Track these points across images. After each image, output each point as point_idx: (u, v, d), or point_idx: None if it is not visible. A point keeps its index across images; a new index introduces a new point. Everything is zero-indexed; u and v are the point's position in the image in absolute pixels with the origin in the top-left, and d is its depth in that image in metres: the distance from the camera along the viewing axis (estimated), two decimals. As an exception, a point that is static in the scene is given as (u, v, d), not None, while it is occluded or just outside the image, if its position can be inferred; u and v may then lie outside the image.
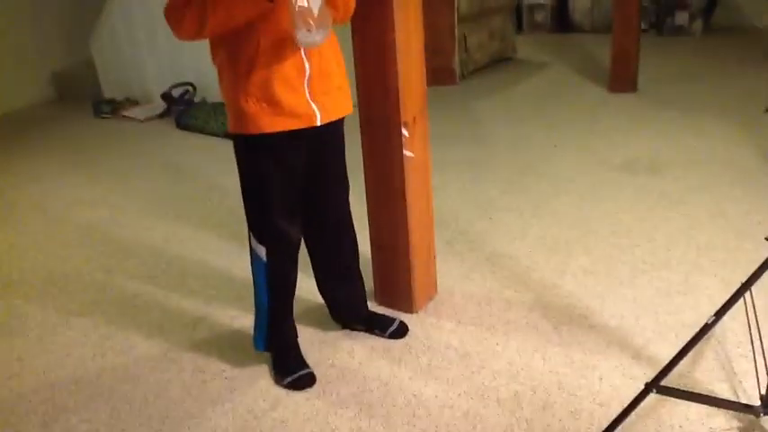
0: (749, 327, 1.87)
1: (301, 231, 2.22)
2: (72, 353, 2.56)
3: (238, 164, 2.10)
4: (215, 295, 2.87)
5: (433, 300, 2.70)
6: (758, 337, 1.88)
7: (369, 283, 2.59)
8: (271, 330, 2.29)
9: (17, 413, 2.26)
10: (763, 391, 1.88)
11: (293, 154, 2.06)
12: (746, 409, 1.89)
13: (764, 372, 1.87)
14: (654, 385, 1.82)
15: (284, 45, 1.89)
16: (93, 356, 2.53)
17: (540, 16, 8.06)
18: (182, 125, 5.31)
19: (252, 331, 2.36)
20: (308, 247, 2.34)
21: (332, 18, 1.87)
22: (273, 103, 1.93)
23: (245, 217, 2.17)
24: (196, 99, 5.54)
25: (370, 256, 2.63)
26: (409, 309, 2.61)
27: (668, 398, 1.96)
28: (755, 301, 1.79)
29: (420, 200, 2.51)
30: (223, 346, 2.52)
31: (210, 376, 2.36)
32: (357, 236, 2.41)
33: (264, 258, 2.16)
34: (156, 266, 3.18)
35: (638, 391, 1.84)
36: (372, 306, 2.62)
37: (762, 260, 1.69)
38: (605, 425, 1.91)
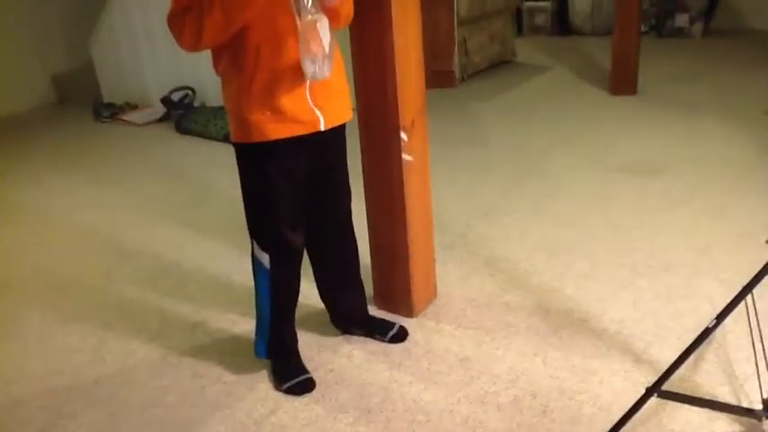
0: (750, 330, 1.86)
1: (304, 238, 2.21)
2: (71, 358, 2.55)
3: (241, 172, 2.09)
4: (214, 300, 2.86)
5: (432, 304, 2.69)
6: (760, 340, 1.87)
7: (368, 287, 2.58)
8: (272, 337, 2.28)
9: (16, 419, 2.25)
10: (765, 395, 1.87)
11: (297, 161, 2.05)
12: (748, 413, 1.88)
13: (766, 375, 1.86)
14: (655, 389, 1.81)
15: (284, 52, 1.89)
16: (92, 362, 2.52)
17: (540, 19, 8.05)
18: (181, 129, 5.30)
19: (252, 337, 2.35)
20: (309, 253, 2.33)
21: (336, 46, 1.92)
22: (277, 111, 1.93)
23: (245, 222, 2.16)
24: (195, 103, 5.54)
25: (369, 260, 2.62)
26: (409, 313, 2.60)
27: (669, 402, 1.95)
28: (757, 305, 1.78)
29: (419, 203, 2.50)
30: (222, 351, 2.51)
31: (209, 381, 2.35)
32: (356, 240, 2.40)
33: (268, 266, 2.15)
34: (155, 271, 3.17)
35: (639, 396, 1.83)
36: (372, 310, 2.61)
37: (763, 263, 1.68)
38: (606, 429, 1.90)
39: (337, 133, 2.12)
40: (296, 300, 2.29)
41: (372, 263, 2.63)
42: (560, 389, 2.16)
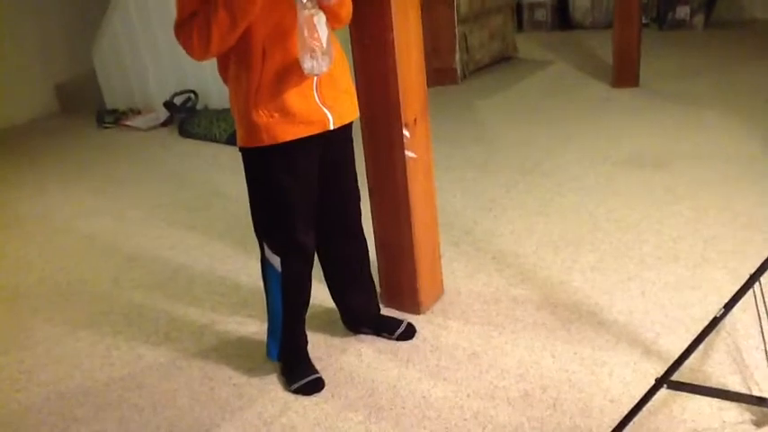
0: (759, 318, 1.86)
1: (315, 240, 2.22)
2: (80, 364, 2.56)
3: (250, 177, 2.08)
4: (222, 302, 2.86)
5: (439, 300, 2.69)
6: (769, 328, 1.86)
7: (376, 286, 2.58)
8: (284, 339, 2.28)
9: (26, 426, 2.26)
10: (776, 384, 1.86)
11: (308, 162, 2.06)
12: (760, 402, 1.87)
13: (776, 364, 1.86)
14: (665, 380, 1.81)
15: (290, 53, 1.89)
16: (101, 367, 2.53)
17: (540, 14, 8.03)
18: (184, 133, 5.32)
19: (260, 339, 2.36)
20: (319, 254, 2.33)
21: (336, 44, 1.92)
22: (285, 112, 1.93)
23: (251, 225, 2.16)
24: (198, 106, 5.55)
25: (375, 258, 2.62)
26: (416, 310, 2.60)
27: (680, 392, 1.94)
28: (765, 293, 1.78)
29: (424, 200, 2.50)
30: (231, 353, 2.51)
31: (219, 383, 2.35)
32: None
33: (279, 269, 2.15)
34: (162, 275, 3.17)
35: (649, 387, 1.82)
36: (380, 309, 2.61)
37: (770, 251, 1.67)
38: (617, 421, 1.90)
39: (345, 132, 2.13)
40: (308, 302, 2.29)
41: (378, 260, 2.63)
42: (570, 382, 2.16)
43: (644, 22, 5.87)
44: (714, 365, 2.15)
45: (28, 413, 2.32)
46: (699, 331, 1.78)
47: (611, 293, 2.61)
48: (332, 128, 2.02)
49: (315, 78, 1.95)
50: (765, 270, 1.70)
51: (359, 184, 2.30)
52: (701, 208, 3.23)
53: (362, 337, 2.51)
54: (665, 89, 5.23)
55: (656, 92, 5.17)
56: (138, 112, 5.93)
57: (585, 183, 3.68)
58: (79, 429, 2.20)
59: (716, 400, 1.97)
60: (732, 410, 1.95)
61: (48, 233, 3.85)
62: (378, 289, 2.58)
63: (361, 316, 2.52)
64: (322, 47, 1.84)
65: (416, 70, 2.36)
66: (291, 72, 1.91)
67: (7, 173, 5.00)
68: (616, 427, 1.88)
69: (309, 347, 2.39)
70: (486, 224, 3.32)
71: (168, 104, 5.55)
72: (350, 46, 2.29)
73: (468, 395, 2.15)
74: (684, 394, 1.97)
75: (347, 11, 2.01)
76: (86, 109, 6.21)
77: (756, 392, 2.01)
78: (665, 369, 1.81)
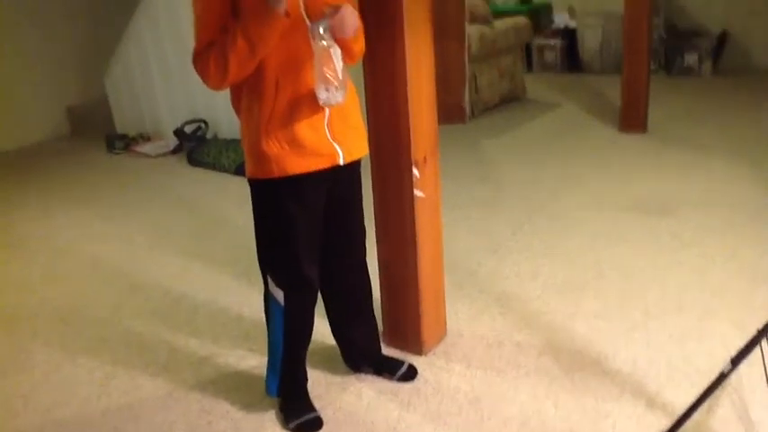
0: (765, 373, 1.83)
1: (319, 275, 2.21)
2: (77, 391, 2.54)
3: (258, 209, 2.08)
4: (223, 334, 2.85)
5: (442, 342, 2.67)
6: (776, 386, 1.84)
7: (378, 323, 2.56)
8: (284, 375, 2.26)
9: (20, 453, 2.23)
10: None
11: (315, 196, 2.06)
12: (765, 461, 1.84)
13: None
14: (669, 435, 1.78)
15: (303, 84, 1.91)
16: (99, 396, 2.50)
17: (549, 56, 8.11)
18: (193, 161, 5.34)
19: (260, 373, 2.33)
20: (322, 291, 2.31)
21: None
22: (296, 144, 1.94)
23: (256, 257, 2.15)
24: (208, 135, 5.58)
25: (378, 296, 2.60)
26: (418, 351, 2.58)
27: (684, 448, 1.92)
28: (772, 350, 1.76)
29: (430, 240, 2.49)
30: (230, 386, 2.49)
31: (216, 417, 2.33)
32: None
33: (282, 303, 2.13)
34: (164, 303, 3.16)
35: (653, 442, 1.80)
36: (381, 348, 2.59)
37: (778, 308, 1.66)
38: (619, 475, 1.87)
39: (354, 168, 2.14)
40: (309, 337, 2.27)
41: (382, 299, 2.61)
42: (572, 432, 2.13)
43: (652, 68, 5.92)
44: (719, 421, 2.12)
45: (22, 441, 2.29)
46: (703, 384, 1.76)
47: (616, 342, 2.59)
48: (341, 163, 2.03)
49: (326, 112, 1.97)
50: (773, 327, 1.68)
51: (365, 220, 2.30)
52: (707, 256, 3.22)
53: (363, 376, 2.49)
54: (672, 135, 5.25)
55: (664, 137, 5.19)
56: (148, 139, 5.97)
57: (591, 227, 3.67)
58: (73, 460, 2.17)
59: (720, 456, 1.94)
60: (737, 468, 1.92)
61: (51, 255, 3.85)
62: (380, 328, 2.57)
63: (363, 353, 2.50)
64: (338, 78, 1.86)
65: (428, 109, 2.37)
66: (304, 104, 1.93)
67: (14, 193, 5.02)
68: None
69: (309, 384, 2.36)
70: (491, 265, 3.31)
71: (178, 132, 5.59)
72: (362, 83, 2.31)
73: (469, 441, 2.12)
74: (688, 450, 1.95)
75: (360, 47, 2.04)
76: (97, 132, 6.25)
77: (762, 450, 1.98)
78: (671, 424, 1.79)
